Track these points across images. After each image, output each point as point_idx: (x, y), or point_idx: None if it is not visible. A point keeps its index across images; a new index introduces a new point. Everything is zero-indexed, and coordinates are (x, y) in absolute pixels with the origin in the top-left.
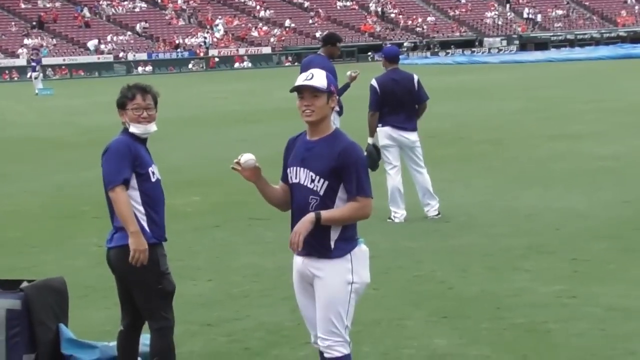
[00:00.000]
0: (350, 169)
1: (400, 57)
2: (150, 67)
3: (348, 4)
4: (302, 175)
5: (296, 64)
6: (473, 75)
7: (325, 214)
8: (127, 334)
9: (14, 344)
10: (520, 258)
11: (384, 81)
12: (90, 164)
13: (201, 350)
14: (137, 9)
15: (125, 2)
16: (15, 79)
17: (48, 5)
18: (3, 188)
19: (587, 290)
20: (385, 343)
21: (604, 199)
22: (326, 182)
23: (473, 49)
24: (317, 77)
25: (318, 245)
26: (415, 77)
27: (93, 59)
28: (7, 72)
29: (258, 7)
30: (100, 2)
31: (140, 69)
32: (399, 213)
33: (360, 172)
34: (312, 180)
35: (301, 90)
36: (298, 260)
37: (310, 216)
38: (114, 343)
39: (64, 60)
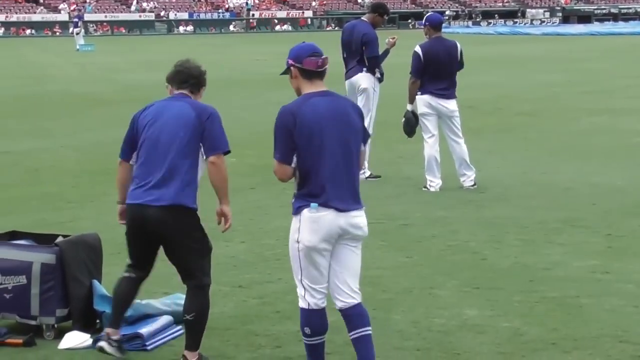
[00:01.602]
0: None
1: (444, 25)
2: (192, 27)
3: None
4: None
5: (337, 28)
6: (514, 46)
7: None
8: (134, 283)
9: (47, 298)
10: (555, 232)
11: (428, 49)
12: (127, 122)
13: (232, 311)
14: None
15: None
16: (57, 33)
17: None
18: (41, 143)
19: (621, 266)
20: (416, 311)
21: None
22: None
23: (515, 20)
24: None
25: None
26: (459, 46)
27: (134, 16)
28: (49, 27)
29: None
30: None
31: (181, 28)
32: (434, 182)
33: (274, 135)
34: None
35: None
36: None
37: None
38: (146, 301)
39: (105, 16)
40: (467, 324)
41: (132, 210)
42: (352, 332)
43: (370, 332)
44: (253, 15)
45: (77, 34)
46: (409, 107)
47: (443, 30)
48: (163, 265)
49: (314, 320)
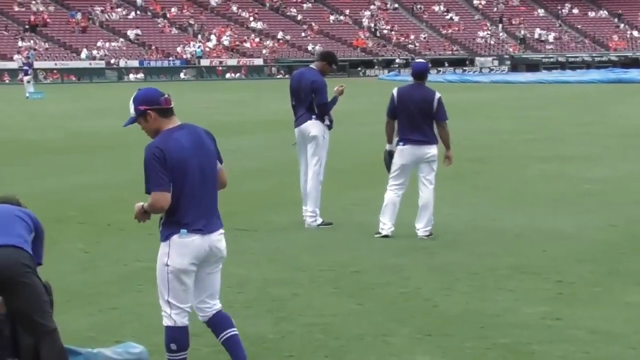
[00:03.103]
0: None
1: (394, 73)
2: (142, 75)
3: (341, 18)
4: None
5: (287, 76)
6: (464, 93)
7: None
8: None
9: None
10: (505, 278)
11: (404, 92)
12: (78, 169)
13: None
14: (130, 16)
15: (119, 9)
16: (7, 81)
17: (41, 9)
18: None
19: (572, 313)
20: (368, 359)
21: (590, 222)
22: None
23: (464, 68)
24: (129, 111)
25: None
26: (437, 95)
27: (85, 64)
28: None
29: (251, 19)
30: (94, 8)
31: (132, 76)
32: (387, 226)
33: (145, 171)
34: None
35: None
36: None
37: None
38: (98, 349)
39: (55, 64)
40: None
41: None
42: (221, 335)
43: (236, 332)
44: (209, 66)
45: (28, 81)
46: (387, 146)
47: (394, 78)
48: (115, 313)
49: (180, 336)
